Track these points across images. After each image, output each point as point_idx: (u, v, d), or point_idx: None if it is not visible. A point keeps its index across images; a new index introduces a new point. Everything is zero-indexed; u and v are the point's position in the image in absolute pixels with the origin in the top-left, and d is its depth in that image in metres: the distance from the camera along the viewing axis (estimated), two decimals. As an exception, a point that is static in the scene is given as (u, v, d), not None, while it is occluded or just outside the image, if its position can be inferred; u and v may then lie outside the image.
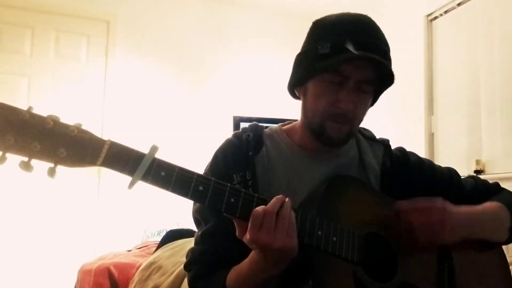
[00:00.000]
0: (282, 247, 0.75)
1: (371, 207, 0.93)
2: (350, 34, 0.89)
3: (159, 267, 1.72)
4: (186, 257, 0.98)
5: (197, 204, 0.98)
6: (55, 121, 0.69)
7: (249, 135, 1.00)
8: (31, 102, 3.19)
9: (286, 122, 1.09)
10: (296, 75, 0.98)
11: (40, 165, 0.70)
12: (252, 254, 0.82)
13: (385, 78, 0.94)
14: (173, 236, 2.05)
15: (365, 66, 0.89)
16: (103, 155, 0.71)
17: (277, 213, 0.76)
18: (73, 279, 2.31)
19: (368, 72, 0.90)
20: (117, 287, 2.04)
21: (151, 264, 1.79)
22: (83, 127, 0.72)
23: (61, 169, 0.71)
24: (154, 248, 2.11)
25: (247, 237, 0.76)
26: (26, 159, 0.68)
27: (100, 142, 0.72)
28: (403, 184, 1.01)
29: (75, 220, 3.35)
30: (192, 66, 3.82)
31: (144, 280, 1.73)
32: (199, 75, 3.84)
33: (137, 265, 2.01)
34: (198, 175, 0.77)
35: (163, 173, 0.74)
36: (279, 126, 1.07)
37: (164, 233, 2.42)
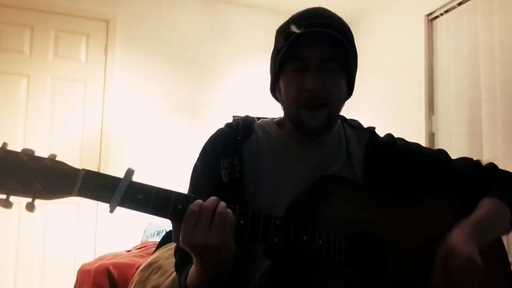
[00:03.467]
0: (218, 245, 0.73)
1: (358, 205, 0.92)
2: (297, 20, 0.94)
3: (159, 268, 1.72)
4: None
5: None
6: (29, 155, 0.69)
7: (238, 122, 1.03)
8: (30, 102, 3.19)
9: (280, 117, 1.10)
10: (271, 77, 1.03)
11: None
12: None
13: (350, 61, 0.94)
14: (172, 236, 2.04)
15: (320, 44, 0.90)
16: (78, 184, 0.70)
17: (213, 211, 0.74)
18: (72, 279, 2.31)
19: (326, 49, 0.90)
20: (116, 288, 2.04)
21: (150, 264, 1.78)
22: (57, 159, 0.71)
23: (39, 202, 0.70)
24: (154, 249, 2.10)
25: (181, 237, 0.74)
26: (4, 196, 0.68)
27: (74, 172, 0.71)
28: (389, 169, 1.00)
29: (74, 220, 3.34)
30: (192, 65, 3.82)
31: (143, 281, 1.72)
32: (199, 75, 3.84)
33: (137, 265, 2.00)
34: (176, 193, 0.76)
35: (140, 196, 0.73)
36: (270, 118, 1.10)
37: (163, 234, 2.41)
